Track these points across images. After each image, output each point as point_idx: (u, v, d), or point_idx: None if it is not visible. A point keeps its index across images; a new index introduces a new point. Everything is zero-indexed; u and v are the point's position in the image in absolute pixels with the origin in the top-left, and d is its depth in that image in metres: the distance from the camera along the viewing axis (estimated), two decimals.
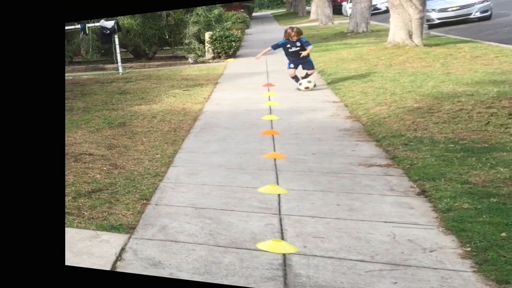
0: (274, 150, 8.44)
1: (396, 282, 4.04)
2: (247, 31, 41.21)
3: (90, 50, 24.52)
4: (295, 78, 13.22)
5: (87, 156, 8.60)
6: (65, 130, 10.49)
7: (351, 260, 4.49)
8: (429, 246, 4.58)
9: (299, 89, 13.00)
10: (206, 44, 24.22)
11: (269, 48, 13.30)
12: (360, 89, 11.98)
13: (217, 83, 16.74)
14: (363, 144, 7.97)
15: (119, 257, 5.09)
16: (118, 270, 4.83)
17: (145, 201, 6.61)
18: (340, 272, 4.30)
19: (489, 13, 25.05)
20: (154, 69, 22.72)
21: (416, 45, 17.06)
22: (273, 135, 9.41)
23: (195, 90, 15.52)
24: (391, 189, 5.97)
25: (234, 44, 23.88)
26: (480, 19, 24.84)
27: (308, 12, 51.69)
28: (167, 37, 25.14)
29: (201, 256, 4.98)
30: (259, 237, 5.20)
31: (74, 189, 6.90)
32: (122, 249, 5.27)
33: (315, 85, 13.04)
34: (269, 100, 12.87)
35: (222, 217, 5.80)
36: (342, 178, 6.56)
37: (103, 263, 4.91)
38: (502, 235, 4.51)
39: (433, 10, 25.46)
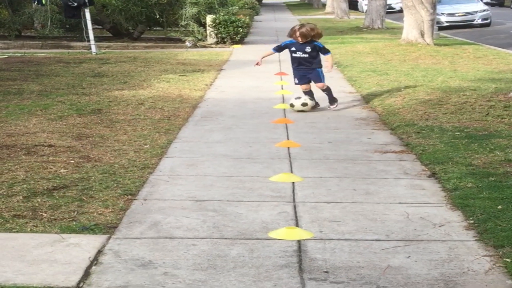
0: (288, 139, 9.59)
1: (409, 256, 5.31)
2: (256, 18, 44.67)
3: (49, 23, 24.80)
4: (307, 93, 11.92)
5: (46, 148, 8.68)
6: (11, 117, 10.68)
7: (367, 240, 5.67)
8: (438, 221, 6.12)
9: (291, 106, 11.81)
10: (208, 27, 25.57)
11: (271, 51, 12.11)
12: (375, 81, 15.09)
13: (222, 69, 18.06)
14: (378, 132, 10.18)
15: (94, 262, 5.17)
16: (94, 276, 4.93)
17: (129, 197, 6.71)
18: (357, 253, 5.38)
19: (489, 20, 37.88)
20: (141, 50, 23.19)
21: (428, 44, 22.96)
22: (286, 124, 10.64)
23: (195, 76, 16.25)
24: (405, 173, 7.81)
25: (241, 30, 25.63)
26: (481, 25, 37.19)
27: (324, 5, 61.15)
28: (157, 16, 25.66)
29: (203, 250, 5.41)
30: (271, 226, 6.01)
31: (26, 187, 6.95)
32: (99, 252, 5.34)
33: (315, 105, 11.90)
34: (282, 88, 14.46)
35: (228, 209, 6.48)
36: (358, 165, 8.20)
37: (72, 270, 4.97)
38: (498, 207, 6.32)
39: (443, 14, 36.63)
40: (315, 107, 11.78)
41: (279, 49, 11.93)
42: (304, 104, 11.54)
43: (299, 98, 11.64)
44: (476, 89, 13.29)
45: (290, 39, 11.63)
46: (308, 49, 11.59)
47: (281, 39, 28.27)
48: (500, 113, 10.83)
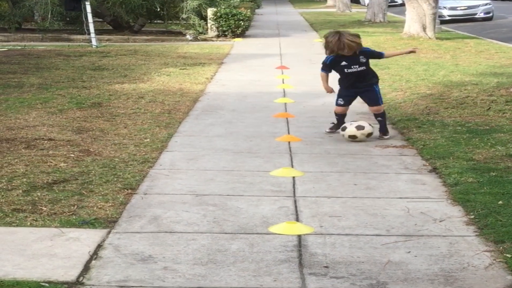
0: (288, 133, 9.63)
1: (409, 251, 5.36)
2: (257, 11, 44.84)
3: (49, 16, 24.78)
4: (340, 117, 9.53)
5: (46, 141, 8.70)
6: (11, 111, 10.69)
7: (367, 235, 5.72)
8: (439, 217, 6.16)
9: (336, 132, 9.51)
10: (209, 21, 25.58)
11: (323, 73, 9.43)
12: None
13: (222, 63, 18.08)
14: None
15: (94, 256, 5.19)
16: (93, 270, 4.96)
17: (130, 191, 6.73)
18: (357, 248, 5.43)
19: (491, 14, 37.71)
20: (141, 44, 23.21)
21: (429, 38, 23.18)
22: (287, 118, 10.67)
23: (195, 69, 16.26)
24: (406, 168, 7.88)
25: (242, 23, 25.66)
26: (483, 19, 36.94)
27: None
28: (158, 9, 25.70)
29: (203, 245, 5.46)
30: (272, 220, 6.07)
31: (25, 181, 6.97)
32: (99, 246, 5.35)
33: (370, 134, 9.15)
34: (283, 83, 14.52)
35: (228, 203, 6.53)
36: (359, 159, 8.26)
37: (71, 265, 4.99)
38: (499, 203, 6.37)
39: (445, 7, 36.68)
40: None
41: (328, 70, 9.39)
42: (370, 134, 9.10)
43: (361, 127, 9.02)
44: (477, 83, 13.35)
45: (330, 54, 9.17)
46: (362, 59, 9.08)
47: (282, 32, 28.62)
48: (501, 108, 10.89)
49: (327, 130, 9.52)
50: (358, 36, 9.13)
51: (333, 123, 9.53)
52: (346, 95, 9.35)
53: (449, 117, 10.40)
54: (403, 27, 24.98)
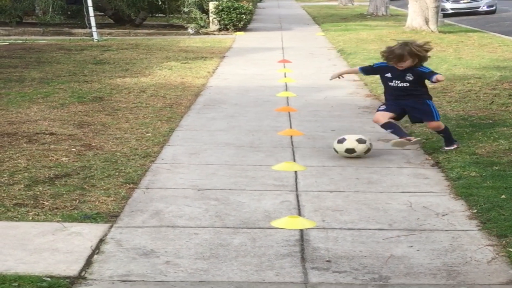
0: (291, 127, 9.65)
1: (412, 246, 5.38)
2: (259, 4, 45.05)
3: (50, 10, 24.80)
4: (387, 126, 8.38)
5: (47, 136, 8.71)
6: (12, 105, 10.69)
7: (369, 229, 5.75)
8: (441, 211, 6.19)
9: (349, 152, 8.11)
10: (211, 14, 25.61)
11: (357, 69, 9.23)
12: None
13: (224, 56, 18.12)
14: None
15: (96, 250, 5.20)
16: (95, 264, 4.97)
17: (131, 185, 6.75)
18: (359, 242, 5.46)
19: (494, 8, 38.41)
20: (143, 37, 23.22)
21: (432, 31, 23.27)
22: (289, 112, 10.69)
23: (197, 63, 16.28)
24: (408, 162, 7.92)
25: (244, 17, 25.71)
26: (486, 13, 37.72)
27: None
28: (159, 3, 25.71)
29: (205, 239, 5.48)
30: (274, 215, 6.09)
31: (27, 176, 6.99)
32: (101, 241, 5.36)
33: (367, 151, 8.12)
34: (285, 76, 14.54)
35: (230, 197, 6.56)
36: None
37: (73, 259, 4.99)
38: (502, 197, 6.38)
39: (447, 0, 37.40)
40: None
41: (367, 71, 8.97)
42: (368, 151, 8.14)
43: (362, 141, 8.07)
44: (480, 77, 13.38)
45: (385, 62, 8.39)
46: (410, 76, 8.23)
47: (284, 26, 28.63)
48: (504, 102, 10.92)
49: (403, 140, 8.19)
50: (418, 54, 8.16)
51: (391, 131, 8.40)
52: (391, 103, 8.42)
53: (452, 110, 10.42)
54: (405, 20, 25.04)
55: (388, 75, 8.33)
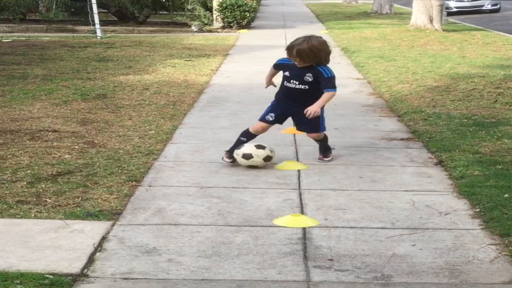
0: (293, 125, 9.25)
1: (414, 245, 5.38)
2: (263, 2, 45.01)
3: (54, 7, 24.83)
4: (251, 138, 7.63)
5: (50, 133, 8.73)
6: (15, 102, 10.71)
7: (372, 228, 5.76)
8: (444, 210, 6.20)
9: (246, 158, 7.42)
10: (215, 12, 25.65)
11: (272, 68, 7.85)
12: (383, 67, 15.19)
13: (228, 54, 18.19)
14: (385, 119, 10.23)
15: (98, 248, 5.22)
16: (98, 262, 4.98)
17: (134, 183, 6.76)
18: (362, 240, 5.46)
19: (498, 6, 38.65)
20: (146, 35, 23.27)
21: (436, 30, 23.32)
22: None
23: (200, 61, 16.32)
24: (411, 161, 7.91)
25: (248, 15, 25.74)
26: (491, 11, 37.86)
27: None
28: (163, 0, 25.75)
29: (207, 237, 5.50)
30: (276, 213, 6.11)
31: (30, 173, 7.01)
32: (103, 238, 5.38)
33: (268, 159, 7.45)
34: None
35: (233, 196, 6.59)
36: (364, 152, 8.28)
37: (76, 257, 5.00)
38: (505, 196, 6.39)
39: None
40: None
41: (276, 67, 7.76)
42: (268, 158, 7.45)
43: (261, 147, 7.45)
44: (484, 75, 13.40)
45: (287, 58, 7.45)
46: (308, 76, 7.30)
47: (288, 24, 28.63)
48: (508, 101, 10.93)
49: (226, 160, 7.54)
50: (321, 47, 7.33)
51: (226, 151, 7.64)
52: (279, 107, 7.56)
53: (456, 109, 10.43)
54: (409, 18, 25.06)
55: (286, 73, 7.40)
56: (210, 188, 6.71)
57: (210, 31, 24.77)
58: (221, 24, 25.66)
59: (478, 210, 6.12)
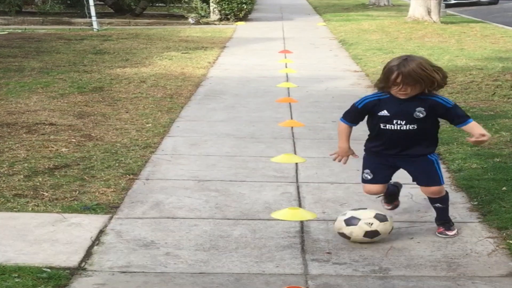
0: (291, 118, 9.67)
1: (412, 238, 5.44)
2: None
3: None
4: (387, 199, 5.94)
5: (47, 126, 8.74)
6: (11, 95, 10.71)
7: None
8: None
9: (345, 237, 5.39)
10: (212, 4, 25.54)
11: (344, 124, 5.67)
12: (381, 59, 14.82)
13: (225, 47, 18.16)
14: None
15: (96, 241, 5.23)
16: (95, 256, 5.00)
17: (131, 176, 6.78)
18: None
19: None
20: (143, 27, 23.22)
21: (434, 22, 23.21)
22: (290, 103, 10.72)
23: (197, 53, 16.30)
24: None
25: (245, 7, 25.63)
26: (489, 3, 37.36)
27: None
28: None
29: (205, 231, 5.53)
30: (274, 206, 6.14)
31: (27, 166, 7.03)
32: (101, 232, 5.39)
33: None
34: (286, 67, 14.53)
35: (231, 189, 6.60)
36: (362, 145, 7.88)
37: (73, 250, 5.01)
38: (503, 189, 6.42)
39: None
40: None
41: (354, 117, 5.60)
42: (374, 234, 5.25)
43: (360, 220, 5.26)
44: (483, 68, 13.43)
45: (379, 92, 5.40)
46: (419, 113, 5.24)
47: (286, 16, 28.59)
48: (506, 93, 10.95)
49: (386, 207, 5.98)
50: (432, 69, 5.20)
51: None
52: (377, 163, 5.55)
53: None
54: (407, 10, 25.04)
55: (383, 112, 5.33)
56: (208, 182, 6.73)
57: (207, 23, 24.72)
58: (218, 16, 25.58)
59: (476, 203, 6.15)
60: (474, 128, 5.44)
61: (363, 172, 5.61)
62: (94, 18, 21.76)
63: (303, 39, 20.07)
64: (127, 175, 6.84)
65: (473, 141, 5.42)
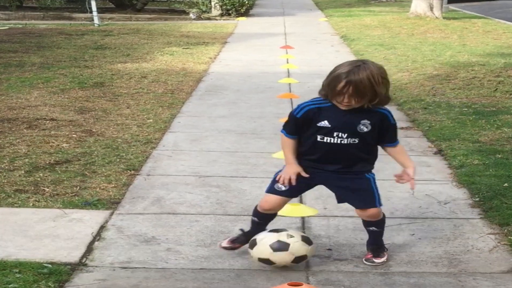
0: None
1: (413, 234, 5.45)
2: None
3: None
4: (263, 219, 5.08)
5: (48, 121, 8.75)
6: (12, 90, 10.70)
7: None
8: (443, 199, 6.24)
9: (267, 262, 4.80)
10: None
11: (286, 137, 4.96)
12: (383, 55, 15.18)
13: (226, 42, 18.16)
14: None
15: (97, 237, 5.25)
16: (96, 251, 5.01)
17: (132, 172, 6.79)
18: (361, 230, 5.25)
19: None
20: (144, 22, 23.21)
21: (436, 17, 23.29)
22: (291, 99, 10.70)
23: (198, 48, 16.30)
24: (411, 150, 7.81)
25: (246, 2, 25.65)
26: None
27: None
28: None
29: (206, 226, 5.55)
30: None
31: (27, 162, 7.04)
32: (102, 228, 5.40)
33: (301, 258, 4.74)
34: (287, 62, 14.56)
35: (232, 185, 6.62)
36: None
37: (74, 246, 5.02)
38: (504, 185, 6.44)
39: None
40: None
41: (294, 129, 4.84)
42: (300, 259, 4.74)
43: (291, 236, 4.74)
44: (485, 64, 13.43)
45: (320, 97, 4.73)
46: (363, 126, 4.69)
47: (287, 11, 28.56)
48: (508, 89, 10.95)
49: (223, 245, 5.03)
50: (381, 78, 4.54)
51: (241, 229, 5.11)
52: (299, 180, 4.89)
53: (456, 98, 10.47)
54: (409, 6, 25.05)
55: (323, 123, 4.69)
56: (209, 177, 6.74)
57: (208, 18, 24.72)
58: (220, 12, 25.53)
59: (477, 199, 6.16)
60: (401, 155, 4.97)
61: (275, 182, 4.92)
62: (95, 13, 21.74)
63: (305, 34, 20.05)
64: (128, 171, 6.85)
65: (401, 181, 4.99)
